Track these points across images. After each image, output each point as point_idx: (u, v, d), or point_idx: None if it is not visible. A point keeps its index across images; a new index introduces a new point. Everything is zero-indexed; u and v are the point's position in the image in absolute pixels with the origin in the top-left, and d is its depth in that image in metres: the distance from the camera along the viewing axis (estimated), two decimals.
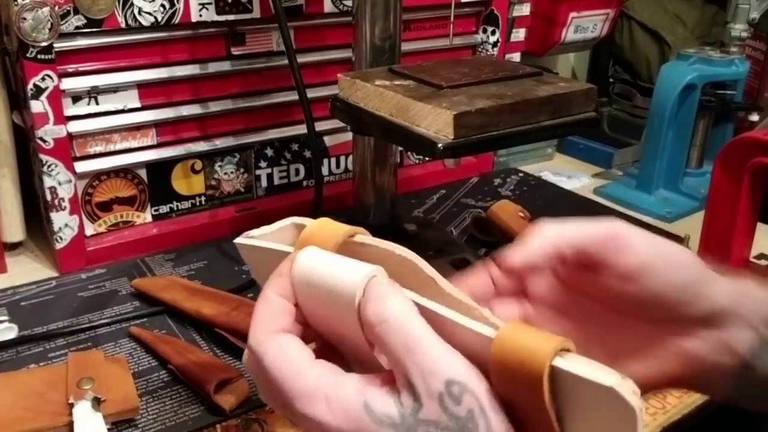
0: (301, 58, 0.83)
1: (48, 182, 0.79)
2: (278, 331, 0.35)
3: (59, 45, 0.76)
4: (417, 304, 0.34)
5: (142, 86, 0.83)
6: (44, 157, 0.78)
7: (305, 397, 0.32)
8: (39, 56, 0.74)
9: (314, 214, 0.79)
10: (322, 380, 0.33)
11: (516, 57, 1.14)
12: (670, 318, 0.40)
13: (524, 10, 1.11)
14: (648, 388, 0.39)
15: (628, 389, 0.30)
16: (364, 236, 0.38)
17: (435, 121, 0.57)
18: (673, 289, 0.39)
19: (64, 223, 0.81)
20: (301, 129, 0.94)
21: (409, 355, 0.32)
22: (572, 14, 1.18)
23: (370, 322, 0.33)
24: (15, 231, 0.87)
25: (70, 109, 0.79)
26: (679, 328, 0.40)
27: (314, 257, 0.36)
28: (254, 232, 0.41)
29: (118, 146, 0.84)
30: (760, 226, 0.80)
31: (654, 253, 0.40)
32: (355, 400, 0.32)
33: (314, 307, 0.35)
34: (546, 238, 0.41)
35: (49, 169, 0.78)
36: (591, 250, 0.40)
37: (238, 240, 0.41)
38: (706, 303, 0.40)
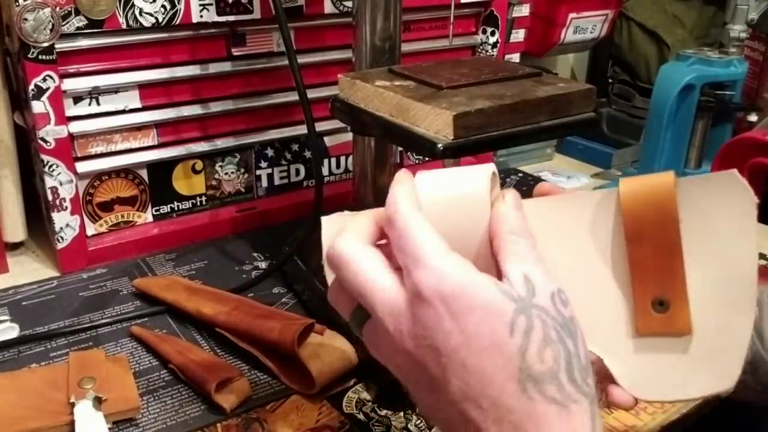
0: (302, 59, 0.83)
1: (49, 182, 0.79)
2: (419, 209, 0.38)
3: (60, 46, 0.76)
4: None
5: (143, 87, 0.84)
6: (45, 158, 0.78)
7: (438, 253, 0.35)
8: (40, 57, 0.74)
9: (314, 215, 0.79)
10: (453, 251, 0.36)
11: (515, 58, 1.14)
12: None
13: (524, 10, 1.11)
14: None
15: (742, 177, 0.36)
16: None
17: (435, 122, 0.58)
18: None
19: (65, 223, 0.81)
20: (302, 129, 0.94)
21: (531, 261, 0.36)
22: (571, 15, 1.18)
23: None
24: (16, 231, 0.87)
25: (71, 110, 0.80)
26: None
27: (429, 175, 0.40)
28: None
29: (119, 146, 0.84)
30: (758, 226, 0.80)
31: None
32: (481, 274, 0.35)
33: (439, 210, 0.38)
34: None
35: (51, 169, 0.79)
36: None
37: (325, 217, 0.44)
38: None
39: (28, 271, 0.84)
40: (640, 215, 0.37)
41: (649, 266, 0.38)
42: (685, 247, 0.37)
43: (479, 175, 0.39)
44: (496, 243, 0.37)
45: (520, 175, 1.17)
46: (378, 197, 0.79)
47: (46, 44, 0.74)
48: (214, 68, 0.87)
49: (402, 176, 0.40)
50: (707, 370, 0.38)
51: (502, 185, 0.42)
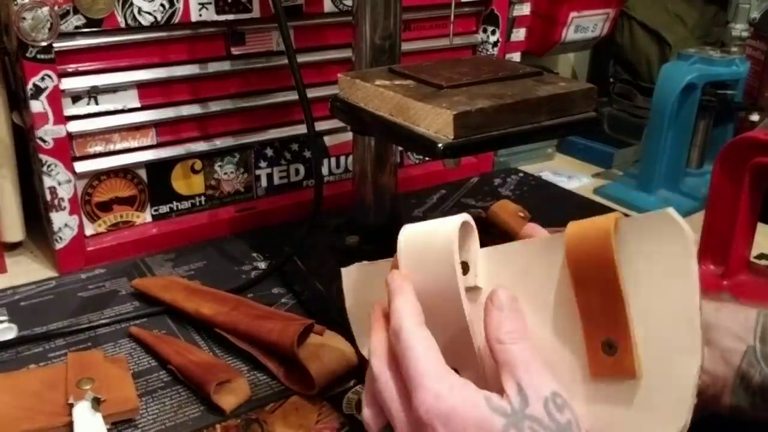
0: (301, 58, 0.82)
1: (48, 182, 0.79)
2: (421, 324, 0.41)
3: (59, 45, 0.76)
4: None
5: (142, 86, 0.83)
6: (44, 157, 0.78)
7: (436, 376, 0.38)
8: (39, 56, 0.74)
9: (314, 215, 0.79)
10: (451, 372, 0.39)
11: (516, 57, 1.14)
12: None
13: (524, 9, 1.11)
14: None
15: (678, 215, 0.36)
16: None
17: (435, 121, 0.57)
18: None
19: (63, 223, 0.81)
20: (301, 129, 0.94)
21: (522, 367, 0.38)
22: (572, 14, 1.18)
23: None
24: (15, 231, 0.87)
25: (69, 109, 0.79)
26: None
27: (411, 227, 0.43)
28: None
29: (118, 146, 0.84)
30: (760, 226, 0.80)
31: None
32: (475, 392, 0.38)
33: (416, 268, 0.41)
34: None
35: (49, 169, 0.78)
36: None
37: (344, 269, 0.47)
38: None
39: (27, 271, 0.84)
40: (581, 260, 0.38)
41: (595, 308, 0.38)
42: (631, 289, 0.37)
43: (448, 229, 0.42)
44: (491, 350, 0.40)
45: (521, 175, 1.16)
46: (378, 197, 0.79)
47: (44, 43, 0.74)
48: (213, 67, 0.86)
49: (401, 284, 0.42)
50: (654, 415, 0.37)
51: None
